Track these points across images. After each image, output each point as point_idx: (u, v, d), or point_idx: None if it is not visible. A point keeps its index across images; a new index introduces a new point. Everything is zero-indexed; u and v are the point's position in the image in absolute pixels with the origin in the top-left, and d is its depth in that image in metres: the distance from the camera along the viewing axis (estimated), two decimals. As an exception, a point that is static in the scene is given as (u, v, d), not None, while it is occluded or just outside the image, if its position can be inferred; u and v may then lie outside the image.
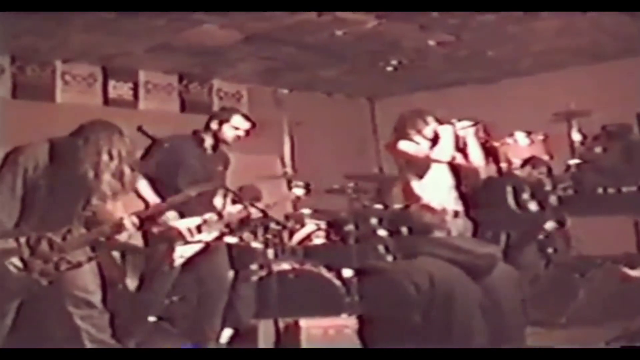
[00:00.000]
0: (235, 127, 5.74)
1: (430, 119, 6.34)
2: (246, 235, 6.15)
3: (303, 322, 4.92)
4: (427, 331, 4.88)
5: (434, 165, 6.24)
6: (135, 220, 4.57)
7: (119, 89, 7.98)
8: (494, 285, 5.26)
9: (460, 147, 6.35)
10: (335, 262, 5.42)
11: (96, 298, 4.44)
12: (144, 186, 5.27)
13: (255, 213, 5.75)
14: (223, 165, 5.87)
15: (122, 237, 4.98)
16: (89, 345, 4.37)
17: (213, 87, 8.88)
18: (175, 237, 5.19)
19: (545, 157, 6.81)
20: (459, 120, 6.28)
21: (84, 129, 4.37)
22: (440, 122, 6.32)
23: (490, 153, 6.78)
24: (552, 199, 6.72)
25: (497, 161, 6.86)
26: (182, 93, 8.56)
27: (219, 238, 5.55)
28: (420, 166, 6.23)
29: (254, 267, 5.60)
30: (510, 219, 6.70)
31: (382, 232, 5.67)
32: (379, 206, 6.04)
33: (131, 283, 5.85)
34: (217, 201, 5.68)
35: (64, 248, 4.30)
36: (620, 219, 6.99)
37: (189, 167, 5.58)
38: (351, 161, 9.05)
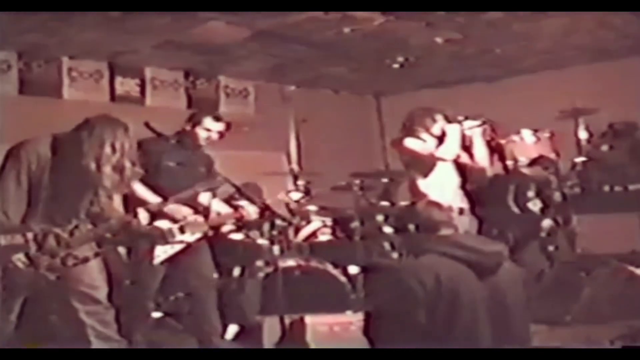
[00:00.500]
0: (206, 128, 5.67)
1: (439, 117, 6.33)
2: (252, 232, 6.18)
3: (308, 319, 4.93)
4: (432, 329, 4.88)
5: (439, 164, 6.23)
6: (146, 214, 4.59)
7: (126, 85, 7.99)
8: (499, 284, 5.26)
9: (467, 146, 6.35)
10: (341, 259, 5.43)
11: (102, 294, 4.44)
12: (140, 187, 5.23)
13: (252, 212, 5.74)
14: (205, 166, 5.81)
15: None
16: (94, 341, 4.38)
17: (220, 84, 8.88)
18: (157, 235, 5.15)
19: (552, 155, 6.82)
20: (466, 118, 6.28)
21: (90, 122, 4.38)
22: (449, 120, 6.31)
23: (497, 151, 6.78)
24: (557, 197, 6.71)
25: (503, 159, 6.86)
26: (188, 90, 8.56)
27: (203, 238, 5.53)
28: (426, 164, 6.22)
29: (260, 263, 5.61)
30: (511, 218, 6.70)
31: (388, 229, 5.67)
32: (385, 203, 6.04)
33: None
34: (203, 198, 5.65)
35: (71, 243, 4.31)
36: (627, 217, 6.97)
37: (168, 169, 5.55)
38: (357, 158, 9.06)
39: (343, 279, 5.24)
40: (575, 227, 7.04)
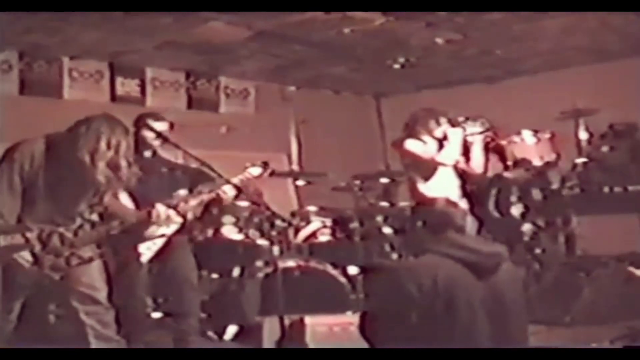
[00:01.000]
0: (150, 128, 5.58)
1: (442, 120, 6.29)
2: (252, 232, 6.18)
3: (308, 319, 4.93)
4: (429, 330, 4.89)
5: (440, 168, 6.21)
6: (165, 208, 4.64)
7: (127, 86, 8.00)
8: (498, 284, 5.26)
9: (466, 149, 6.33)
10: (340, 259, 5.44)
11: (102, 294, 4.45)
12: (124, 197, 5.19)
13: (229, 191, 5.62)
14: (167, 167, 5.71)
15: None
16: (93, 341, 4.39)
17: (220, 84, 8.88)
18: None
19: (552, 156, 6.81)
20: (467, 119, 6.25)
21: (89, 119, 4.40)
22: (452, 124, 6.27)
23: (497, 152, 6.77)
24: (537, 196, 6.74)
25: (503, 160, 6.85)
26: (189, 90, 8.57)
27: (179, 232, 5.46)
28: (426, 167, 6.19)
29: (259, 264, 5.62)
30: (493, 222, 6.72)
31: (387, 230, 5.68)
32: (384, 204, 6.04)
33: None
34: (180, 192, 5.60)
35: (76, 243, 4.32)
36: (627, 218, 6.98)
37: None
38: (357, 159, 9.05)
39: (343, 279, 5.26)
40: (575, 228, 7.04)
